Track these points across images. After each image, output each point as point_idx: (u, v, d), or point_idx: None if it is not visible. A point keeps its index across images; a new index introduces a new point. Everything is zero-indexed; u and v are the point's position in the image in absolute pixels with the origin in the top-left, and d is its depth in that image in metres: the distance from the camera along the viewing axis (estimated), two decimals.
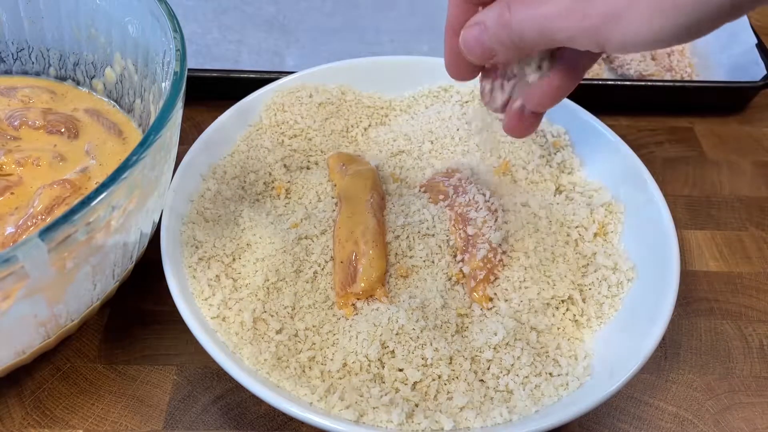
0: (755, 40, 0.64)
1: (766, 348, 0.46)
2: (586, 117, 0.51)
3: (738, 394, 0.44)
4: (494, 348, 0.40)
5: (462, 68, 0.39)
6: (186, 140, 0.49)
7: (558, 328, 0.42)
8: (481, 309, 0.42)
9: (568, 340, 0.41)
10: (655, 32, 0.29)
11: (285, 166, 0.50)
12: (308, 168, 0.51)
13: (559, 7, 0.31)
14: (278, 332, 0.41)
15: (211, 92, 0.59)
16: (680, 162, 0.59)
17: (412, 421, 0.36)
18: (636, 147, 0.50)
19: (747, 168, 0.59)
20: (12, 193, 0.45)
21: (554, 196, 0.49)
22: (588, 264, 0.45)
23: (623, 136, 0.50)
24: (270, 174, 0.49)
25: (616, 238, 0.46)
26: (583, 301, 0.43)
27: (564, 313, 0.43)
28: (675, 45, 0.31)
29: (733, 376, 0.45)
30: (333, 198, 0.47)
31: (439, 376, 0.39)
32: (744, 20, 0.66)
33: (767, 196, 0.57)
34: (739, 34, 0.65)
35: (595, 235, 0.46)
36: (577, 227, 0.46)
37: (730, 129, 0.62)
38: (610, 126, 0.50)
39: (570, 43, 0.31)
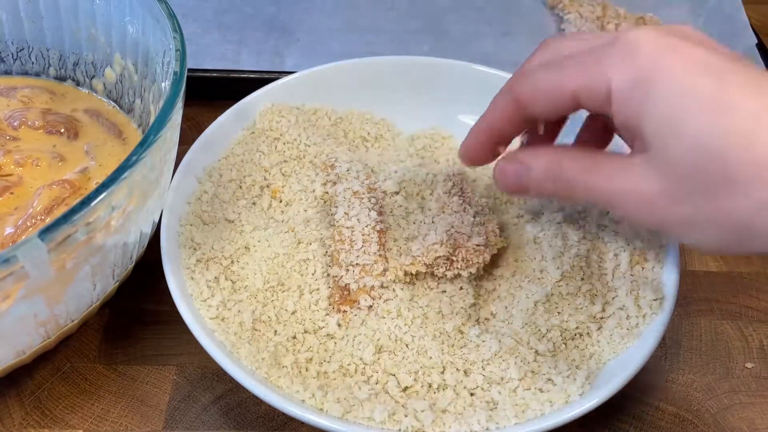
0: (755, 40, 0.64)
1: (766, 348, 0.46)
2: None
3: (738, 394, 0.44)
4: (487, 362, 0.39)
5: (481, 159, 0.39)
6: (186, 140, 0.48)
7: (561, 353, 0.40)
8: (479, 327, 0.41)
9: (571, 361, 0.40)
10: (721, 249, 0.30)
11: (281, 170, 0.49)
12: (304, 172, 0.50)
13: (635, 196, 0.30)
14: (276, 333, 0.41)
15: (211, 92, 0.59)
16: None
17: (394, 419, 0.37)
18: None
19: None
20: (12, 194, 0.45)
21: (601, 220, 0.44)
22: (614, 297, 0.41)
23: None
24: (265, 178, 0.49)
25: (650, 266, 0.42)
26: (598, 330, 0.40)
27: (573, 340, 0.41)
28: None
29: (733, 376, 0.45)
30: (327, 203, 0.47)
31: (430, 385, 0.39)
32: (744, 20, 0.66)
33: None
34: (739, 34, 0.65)
35: (630, 263, 0.42)
36: (613, 255, 0.42)
37: None
38: None
39: (625, 219, 0.31)
